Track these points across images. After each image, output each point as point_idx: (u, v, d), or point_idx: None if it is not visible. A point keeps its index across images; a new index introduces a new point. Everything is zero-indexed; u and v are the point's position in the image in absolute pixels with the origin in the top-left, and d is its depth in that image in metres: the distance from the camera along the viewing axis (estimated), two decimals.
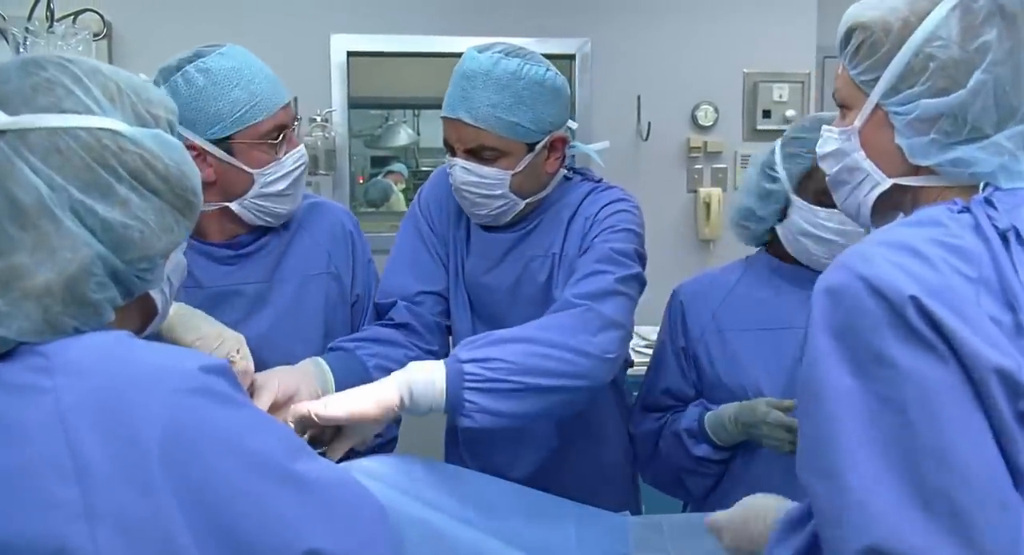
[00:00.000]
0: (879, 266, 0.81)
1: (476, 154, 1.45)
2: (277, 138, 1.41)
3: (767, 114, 3.46)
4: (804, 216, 1.49)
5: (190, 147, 1.32)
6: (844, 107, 1.01)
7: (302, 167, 1.46)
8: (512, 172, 1.47)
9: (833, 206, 1.44)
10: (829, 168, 1.05)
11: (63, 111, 0.80)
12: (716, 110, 3.47)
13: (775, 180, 1.52)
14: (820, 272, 1.52)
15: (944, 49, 0.90)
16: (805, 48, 3.50)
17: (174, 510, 0.74)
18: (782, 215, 1.53)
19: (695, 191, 3.50)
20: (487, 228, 1.59)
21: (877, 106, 0.96)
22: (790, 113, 3.44)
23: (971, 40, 0.90)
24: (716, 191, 3.46)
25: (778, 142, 1.56)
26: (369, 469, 1.18)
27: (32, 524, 0.73)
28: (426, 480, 1.22)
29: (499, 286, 1.58)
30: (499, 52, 1.45)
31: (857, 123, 0.98)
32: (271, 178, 1.42)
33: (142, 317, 0.91)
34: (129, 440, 0.74)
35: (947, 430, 0.76)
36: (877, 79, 0.95)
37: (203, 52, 1.39)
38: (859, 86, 0.97)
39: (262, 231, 1.50)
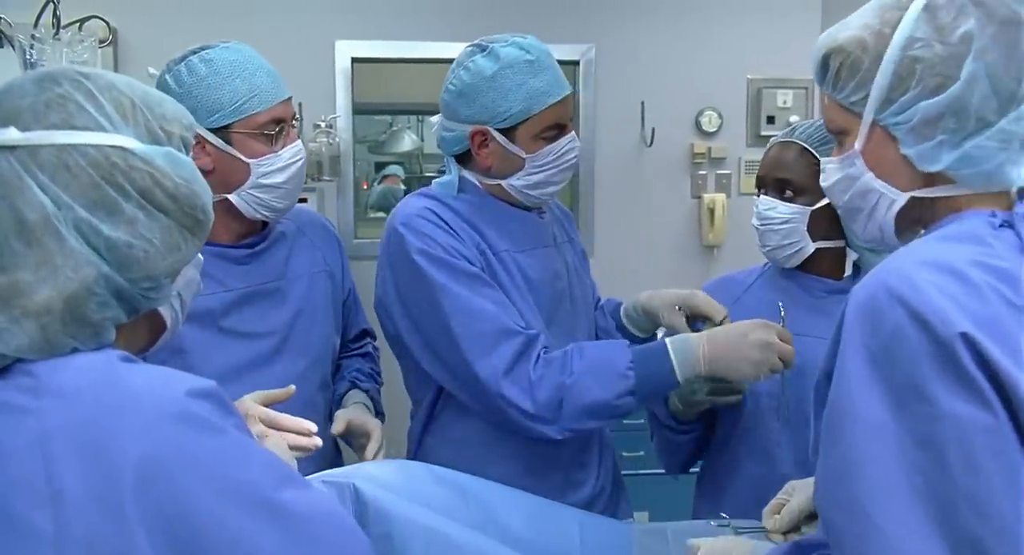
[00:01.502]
0: (924, 293, 0.77)
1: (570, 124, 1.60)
2: (274, 130, 1.45)
3: (771, 120, 3.46)
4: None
5: None
6: (840, 135, 0.99)
7: (299, 162, 1.48)
8: None
9: (764, 194, 1.55)
10: (839, 199, 1.02)
11: (74, 128, 0.80)
12: (720, 116, 3.47)
13: None
14: (836, 282, 1.56)
15: (927, 48, 0.89)
16: (809, 54, 3.49)
17: (143, 541, 0.72)
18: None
19: (699, 197, 3.50)
20: (525, 210, 1.63)
21: (874, 123, 0.94)
22: (794, 119, 3.43)
23: (951, 33, 0.89)
24: (720, 197, 3.46)
25: None
26: (373, 474, 1.18)
27: (2, 547, 0.72)
28: (430, 485, 1.22)
29: (563, 270, 1.65)
30: (529, 38, 1.62)
31: (858, 145, 0.96)
32: (268, 169, 1.45)
33: (150, 333, 0.91)
34: (105, 467, 0.73)
35: (985, 477, 0.73)
36: (866, 97, 0.93)
37: (209, 45, 1.45)
38: (849, 109, 0.96)
39: (268, 231, 1.56)
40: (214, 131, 1.42)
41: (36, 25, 2.27)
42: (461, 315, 1.41)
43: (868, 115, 0.94)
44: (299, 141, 1.50)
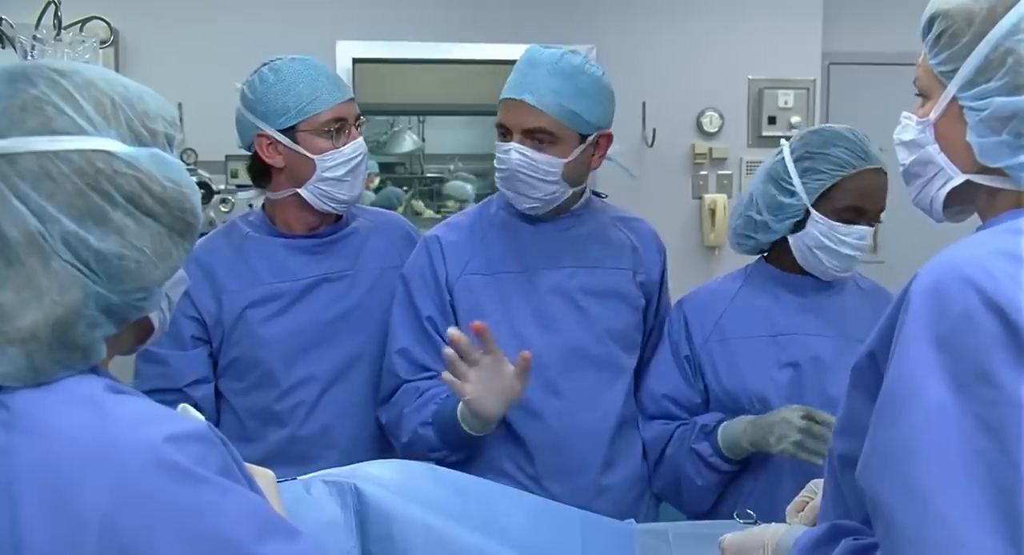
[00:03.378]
0: (999, 280, 0.75)
1: (531, 137, 1.51)
2: (334, 128, 1.58)
3: (772, 120, 3.47)
4: (823, 231, 1.50)
5: (263, 136, 1.57)
6: (922, 96, 0.96)
7: (361, 156, 1.61)
8: (565, 160, 1.53)
9: (852, 222, 1.49)
10: (903, 158, 0.99)
11: (54, 133, 0.75)
12: (721, 116, 3.48)
13: (792, 193, 1.53)
14: (821, 280, 1.56)
15: None
16: (810, 55, 3.50)
17: None
18: (794, 227, 1.54)
19: (700, 197, 3.51)
20: (531, 221, 1.60)
21: (953, 99, 0.90)
22: (795, 119, 3.43)
23: None
24: (721, 197, 3.46)
25: (786, 153, 1.56)
26: (373, 475, 1.18)
27: None
28: (431, 486, 1.22)
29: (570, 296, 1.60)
30: (562, 50, 1.54)
31: (933, 115, 0.93)
32: (331, 164, 1.58)
33: (137, 335, 0.86)
34: (71, 517, 0.69)
35: None
36: (956, 70, 0.89)
37: (279, 57, 1.61)
38: (937, 76, 0.92)
39: (342, 224, 1.69)
40: (283, 132, 1.57)
41: (37, 26, 2.27)
42: (392, 331, 1.62)
43: (951, 90, 0.90)
44: (360, 138, 1.63)
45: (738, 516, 1.30)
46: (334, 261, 1.66)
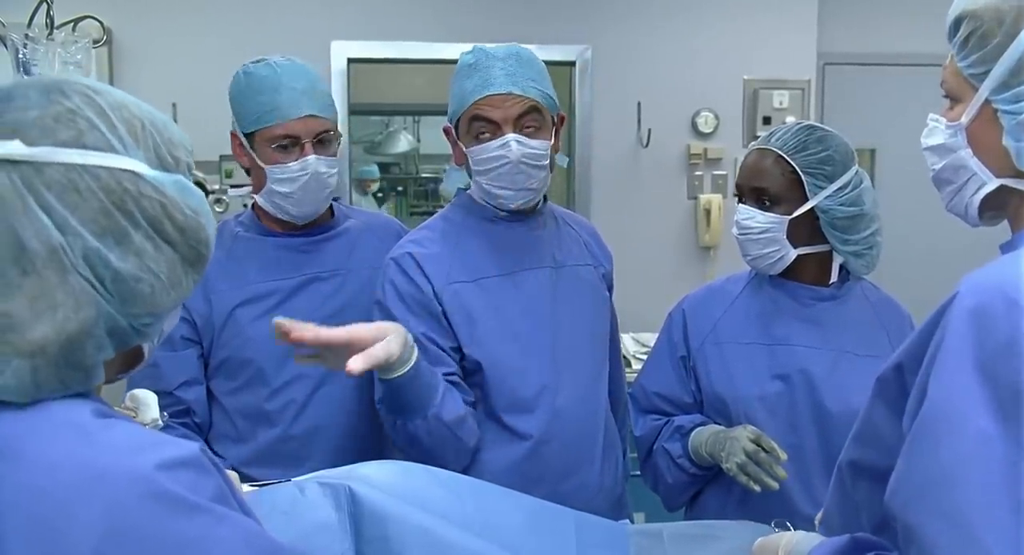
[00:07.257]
0: None
1: (521, 125, 1.51)
2: (285, 144, 1.57)
3: (767, 121, 3.47)
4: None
5: (234, 135, 1.60)
6: (951, 99, 0.94)
7: (305, 177, 1.58)
8: (551, 143, 1.54)
9: (742, 202, 1.53)
10: (933, 163, 0.96)
11: (84, 146, 0.75)
12: (716, 117, 3.48)
13: None
14: (823, 289, 1.55)
15: None
16: (805, 55, 3.51)
17: None
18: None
19: (695, 198, 3.51)
20: (510, 218, 1.58)
21: (986, 101, 0.88)
22: (790, 120, 3.43)
23: None
24: (716, 198, 3.46)
25: None
26: (368, 476, 1.18)
27: None
28: (426, 487, 1.22)
29: (550, 295, 1.59)
30: (504, 44, 1.55)
31: (964, 119, 0.90)
32: (278, 177, 1.59)
33: (124, 362, 0.84)
34: (60, 551, 0.67)
35: None
36: (987, 73, 0.87)
37: (262, 58, 1.62)
38: (967, 79, 0.89)
39: (334, 223, 1.71)
40: (246, 136, 1.59)
41: (29, 25, 2.26)
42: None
43: (983, 92, 0.88)
44: (311, 157, 1.57)
45: (775, 525, 1.29)
46: (325, 259, 1.66)
